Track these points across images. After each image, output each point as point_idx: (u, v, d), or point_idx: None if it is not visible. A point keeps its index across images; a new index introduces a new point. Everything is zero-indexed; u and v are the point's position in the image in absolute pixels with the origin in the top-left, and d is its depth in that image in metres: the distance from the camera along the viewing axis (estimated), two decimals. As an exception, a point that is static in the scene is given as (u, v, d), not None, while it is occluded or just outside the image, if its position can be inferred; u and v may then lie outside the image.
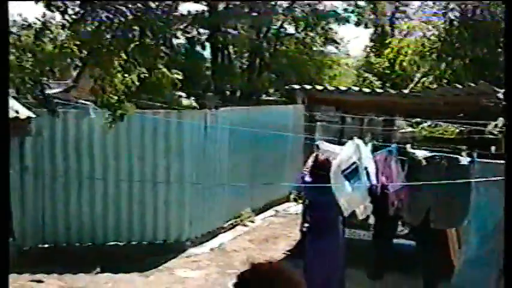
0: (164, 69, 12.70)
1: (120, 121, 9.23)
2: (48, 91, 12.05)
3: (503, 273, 4.74)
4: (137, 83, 9.26)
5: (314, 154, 9.20)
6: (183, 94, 13.33)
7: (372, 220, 8.48)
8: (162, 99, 12.93)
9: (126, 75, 8.97)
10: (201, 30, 23.98)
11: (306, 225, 8.46)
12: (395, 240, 9.37)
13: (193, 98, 12.83)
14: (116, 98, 8.80)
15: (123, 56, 8.92)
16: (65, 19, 9.21)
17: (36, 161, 10.94)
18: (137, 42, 9.08)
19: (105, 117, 9.33)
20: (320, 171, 8.16)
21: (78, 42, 8.99)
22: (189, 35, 24.01)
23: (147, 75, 9.89)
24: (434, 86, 18.71)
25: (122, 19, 8.82)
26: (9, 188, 4.68)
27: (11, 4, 4.19)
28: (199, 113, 12.05)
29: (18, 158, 10.74)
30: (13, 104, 10.30)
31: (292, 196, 15.78)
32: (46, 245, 11.20)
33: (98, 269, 10.29)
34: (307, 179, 8.46)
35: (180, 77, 14.08)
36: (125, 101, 8.88)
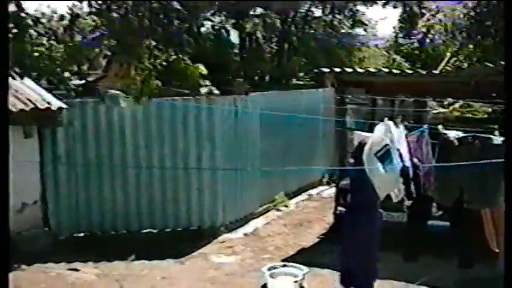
0: (188, 61, 12.77)
1: (144, 103, 9.23)
2: (78, 81, 12.19)
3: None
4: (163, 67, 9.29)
5: (356, 138, 9.18)
6: (207, 82, 13.31)
7: (407, 202, 8.42)
8: (189, 86, 12.94)
9: (152, 60, 9.00)
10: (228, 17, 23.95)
11: (340, 208, 8.42)
12: (429, 222, 9.31)
13: (210, 84, 12.81)
14: (141, 78, 8.82)
15: (151, 42, 8.96)
16: (93, 9, 9.28)
17: (68, 150, 11.05)
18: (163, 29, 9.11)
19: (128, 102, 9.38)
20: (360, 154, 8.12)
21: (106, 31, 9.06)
22: (216, 22, 24.00)
23: (173, 61, 9.93)
24: (465, 65, 18.53)
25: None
26: (8, 192, 4.72)
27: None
28: (229, 98, 12.03)
29: (51, 148, 10.86)
30: (45, 95, 10.42)
31: (325, 180, 15.74)
32: (81, 234, 11.35)
33: (133, 257, 10.36)
34: (351, 161, 8.42)
35: (204, 70, 14.07)
36: (151, 83, 8.88)
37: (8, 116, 4.54)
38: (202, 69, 14.13)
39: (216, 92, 12.34)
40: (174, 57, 9.71)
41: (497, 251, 8.71)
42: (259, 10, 22.87)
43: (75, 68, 13.29)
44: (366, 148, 7.84)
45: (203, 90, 12.54)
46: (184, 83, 13.05)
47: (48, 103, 10.22)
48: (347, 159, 9.26)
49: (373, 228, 8.15)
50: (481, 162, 7.52)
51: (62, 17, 10.48)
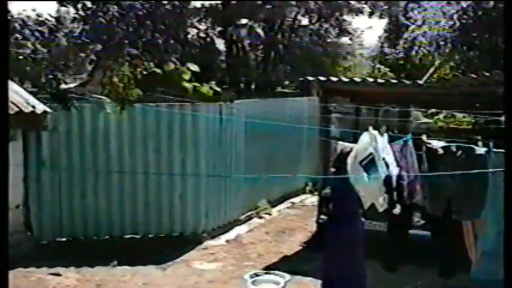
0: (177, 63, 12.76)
1: (127, 109, 9.20)
2: (63, 86, 12.17)
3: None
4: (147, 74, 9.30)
5: (339, 148, 9.21)
6: (197, 85, 13.36)
7: (396, 210, 8.44)
8: (177, 92, 12.96)
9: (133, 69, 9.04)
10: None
11: (322, 217, 8.43)
12: (411, 231, 9.34)
13: (213, 83, 12.84)
14: (122, 85, 8.83)
15: (133, 50, 9.02)
16: (78, 13, 9.30)
17: (52, 155, 11.02)
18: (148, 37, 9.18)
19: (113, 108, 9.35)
20: (342, 163, 8.15)
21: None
22: (202, 29, 24.06)
23: (157, 69, 9.94)
24: (449, 76, 18.64)
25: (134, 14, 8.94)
26: (7, 195, 4.71)
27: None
28: (214, 105, 12.06)
29: (35, 152, 10.82)
30: (29, 98, 10.39)
31: (308, 188, 15.78)
32: (63, 239, 11.32)
33: (115, 262, 10.34)
34: (332, 170, 8.44)
35: (196, 69, 14.10)
36: (131, 90, 8.89)
37: (7, 118, 4.52)
38: (194, 68, 14.14)
39: (205, 89, 12.31)
40: (157, 63, 9.74)
41: (473, 260, 8.79)
42: (244, 20, 22.90)
43: (59, 73, 13.26)
44: (351, 157, 7.87)
45: (203, 88, 12.50)
46: (170, 88, 13.07)
47: (33, 107, 10.19)
48: (329, 168, 9.27)
49: (355, 236, 8.19)
50: (464, 172, 7.56)
51: (43, 22, 10.48)
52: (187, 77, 14.15)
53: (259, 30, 23.26)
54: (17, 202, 10.58)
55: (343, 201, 8.08)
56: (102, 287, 9.43)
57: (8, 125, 4.45)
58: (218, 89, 14.07)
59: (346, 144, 9.27)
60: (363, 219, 8.32)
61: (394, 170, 8.12)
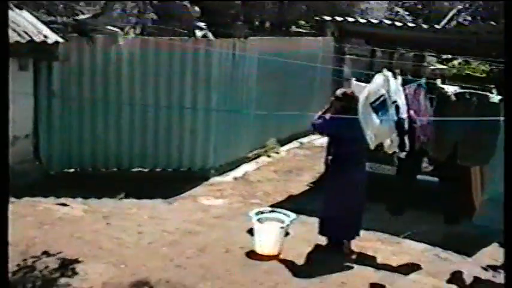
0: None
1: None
2: (81, 16, 12.06)
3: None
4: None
5: (353, 87, 9.15)
6: (202, 24, 13.15)
7: (401, 154, 8.40)
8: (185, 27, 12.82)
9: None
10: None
11: (331, 157, 8.41)
12: (419, 177, 9.32)
13: (207, 30, 12.66)
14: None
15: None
16: None
17: (63, 86, 10.95)
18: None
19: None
20: (345, 104, 8.08)
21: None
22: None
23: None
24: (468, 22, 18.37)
25: None
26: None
27: None
28: (228, 41, 11.93)
29: (46, 83, 10.77)
30: (42, 28, 10.30)
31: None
32: (72, 170, 11.34)
33: (122, 195, 10.40)
34: (327, 117, 8.34)
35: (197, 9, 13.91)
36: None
37: (7, 70, 4.47)
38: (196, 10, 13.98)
39: (211, 36, 12.26)
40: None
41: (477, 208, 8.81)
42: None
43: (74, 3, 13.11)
44: (362, 97, 7.79)
45: (198, 33, 12.44)
46: (179, 23, 12.94)
47: (45, 36, 10.10)
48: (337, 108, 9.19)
49: (360, 177, 8.20)
50: (477, 119, 7.50)
51: None
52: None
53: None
54: (27, 132, 10.59)
55: (346, 144, 8.06)
56: (109, 218, 9.48)
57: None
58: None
59: (361, 83, 9.20)
60: (365, 162, 8.31)
61: (404, 114, 8.05)
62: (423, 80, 8.63)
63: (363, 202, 8.39)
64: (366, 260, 8.36)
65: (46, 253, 7.99)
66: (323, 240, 8.58)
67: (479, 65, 15.81)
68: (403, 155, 8.44)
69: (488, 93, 8.23)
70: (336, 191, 8.23)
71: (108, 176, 11.28)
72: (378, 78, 7.91)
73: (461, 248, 8.77)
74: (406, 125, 8.08)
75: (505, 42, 4.67)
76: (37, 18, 10.54)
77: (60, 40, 10.33)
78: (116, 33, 11.27)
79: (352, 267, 8.08)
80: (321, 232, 8.53)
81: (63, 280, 7.32)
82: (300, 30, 23.82)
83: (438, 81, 8.59)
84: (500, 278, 7.76)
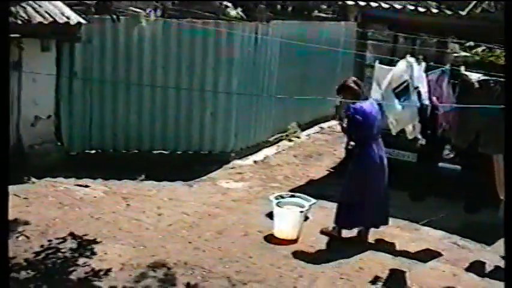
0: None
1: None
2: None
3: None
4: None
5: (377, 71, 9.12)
6: (230, 4, 13.12)
7: (422, 141, 8.36)
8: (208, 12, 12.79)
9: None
10: None
11: (352, 143, 8.37)
12: (440, 164, 9.27)
13: (240, 9, 12.60)
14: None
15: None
16: None
17: (85, 67, 10.94)
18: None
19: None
20: (358, 90, 8.03)
21: None
22: None
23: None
24: (493, 9, 18.13)
25: None
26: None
27: None
28: (250, 24, 11.88)
29: (68, 64, 10.78)
30: (64, 9, 10.31)
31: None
32: (93, 151, 11.33)
33: (143, 176, 10.45)
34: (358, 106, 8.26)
35: None
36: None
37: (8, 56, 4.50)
38: None
39: (234, 12, 12.19)
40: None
41: (502, 198, 8.71)
42: None
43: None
44: (385, 83, 7.76)
45: (232, 12, 12.37)
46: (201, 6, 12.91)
47: (67, 17, 10.12)
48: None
49: (385, 163, 8.17)
50: (500, 107, 7.43)
51: None
52: None
53: None
54: (49, 112, 10.62)
55: (366, 130, 8.00)
56: (129, 199, 9.55)
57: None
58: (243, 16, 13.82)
59: (385, 67, 9.13)
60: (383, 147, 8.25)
61: (426, 100, 7.99)
62: (447, 67, 8.56)
63: (388, 189, 8.36)
64: (384, 246, 8.35)
65: (67, 233, 8.07)
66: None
67: (502, 53, 15.61)
68: (424, 141, 8.40)
69: (512, 81, 8.13)
70: (368, 178, 8.16)
71: (128, 157, 11.28)
72: (401, 64, 7.86)
73: (480, 236, 8.74)
74: (429, 112, 8.03)
75: (505, 42, 4.60)
76: (61, -1, 10.56)
77: (83, 21, 10.33)
78: (139, 15, 11.27)
79: (369, 253, 8.09)
80: (341, 222, 8.43)
81: (82, 260, 7.39)
82: (322, 14, 23.69)
83: (462, 68, 8.51)
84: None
